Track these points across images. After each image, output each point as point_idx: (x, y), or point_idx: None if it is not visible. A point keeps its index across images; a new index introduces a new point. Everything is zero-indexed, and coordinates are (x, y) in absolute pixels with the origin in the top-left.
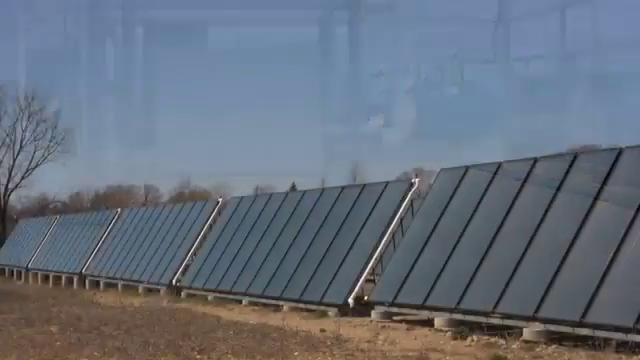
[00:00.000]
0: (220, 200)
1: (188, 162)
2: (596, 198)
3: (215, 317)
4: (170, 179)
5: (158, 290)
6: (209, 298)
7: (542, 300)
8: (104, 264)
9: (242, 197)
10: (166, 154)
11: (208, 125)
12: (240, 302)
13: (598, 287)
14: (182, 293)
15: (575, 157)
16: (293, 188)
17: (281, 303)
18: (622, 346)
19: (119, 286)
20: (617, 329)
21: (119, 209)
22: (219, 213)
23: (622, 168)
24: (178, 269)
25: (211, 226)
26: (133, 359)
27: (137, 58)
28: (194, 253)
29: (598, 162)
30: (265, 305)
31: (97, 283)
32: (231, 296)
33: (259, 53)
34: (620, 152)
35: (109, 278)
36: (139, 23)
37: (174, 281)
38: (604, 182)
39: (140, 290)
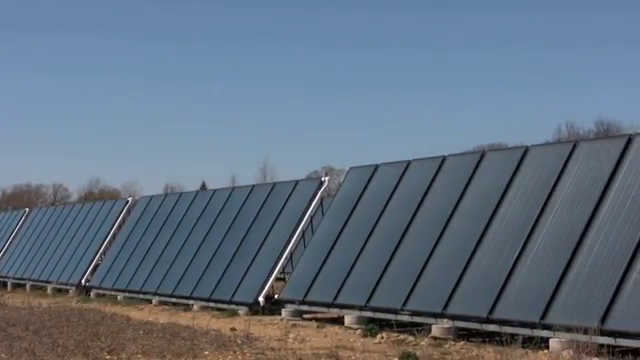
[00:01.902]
0: (130, 199)
1: (97, 161)
2: (503, 195)
3: (125, 317)
4: (79, 178)
5: (67, 290)
6: (119, 298)
7: (450, 297)
8: (12, 264)
9: (152, 196)
10: (75, 153)
11: (118, 125)
12: (150, 302)
13: (505, 284)
14: (91, 293)
15: (483, 155)
16: (203, 187)
17: (191, 302)
18: (528, 341)
19: (27, 286)
20: (523, 325)
21: (27, 209)
22: (129, 212)
23: (528, 166)
24: (87, 269)
25: (120, 225)
26: None
27: None
28: (103, 253)
29: (505, 160)
30: (175, 304)
31: (4, 284)
32: (141, 296)
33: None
34: (526, 150)
35: (17, 279)
36: None
37: (83, 281)
38: (511, 180)
39: (49, 290)
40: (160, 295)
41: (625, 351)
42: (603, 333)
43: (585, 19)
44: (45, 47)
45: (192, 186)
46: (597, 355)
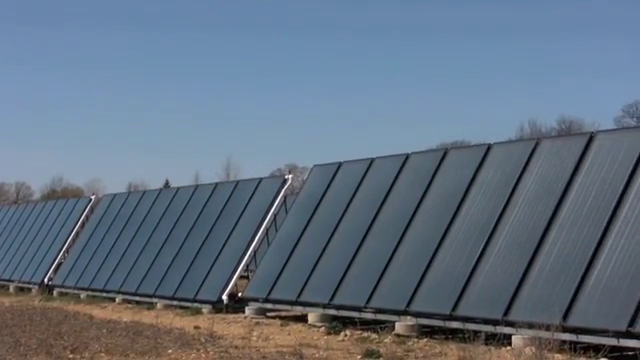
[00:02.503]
0: (93, 197)
1: (60, 160)
2: (466, 193)
3: (88, 316)
4: (42, 177)
5: (30, 289)
6: (82, 296)
7: (414, 295)
8: None
9: (115, 194)
10: (38, 151)
11: (81, 123)
12: (113, 300)
13: (468, 281)
14: (54, 292)
15: (445, 153)
16: (166, 185)
17: (155, 301)
18: (491, 338)
19: None
20: (486, 322)
21: None
22: (92, 211)
23: (491, 163)
24: (50, 268)
25: (84, 224)
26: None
27: None
28: (66, 251)
29: (468, 158)
30: (139, 303)
31: None
32: (104, 294)
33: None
34: (489, 148)
35: None
36: None
37: (46, 280)
38: (474, 177)
39: (11, 289)
40: (123, 293)
41: (587, 347)
42: (565, 330)
43: (549, 16)
44: None
45: (155, 184)
46: (559, 351)
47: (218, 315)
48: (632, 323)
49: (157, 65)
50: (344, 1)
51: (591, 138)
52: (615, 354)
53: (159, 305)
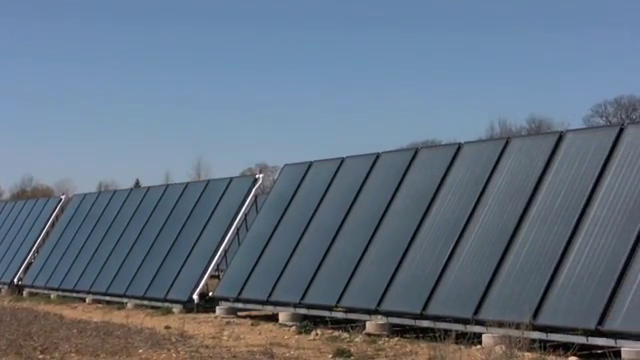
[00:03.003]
0: (63, 197)
1: (30, 159)
2: (437, 192)
3: (58, 316)
4: (12, 176)
5: None
6: (52, 297)
7: (384, 294)
8: None
9: (85, 194)
10: (8, 151)
11: (51, 123)
12: (84, 300)
13: (438, 280)
14: (24, 292)
15: (416, 152)
16: (137, 184)
17: (125, 300)
18: (462, 337)
19: None
20: (457, 321)
21: None
22: (62, 210)
23: (461, 163)
24: (20, 268)
25: (54, 224)
26: None
27: None
28: (36, 251)
29: (438, 157)
30: (109, 303)
31: None
32: (74, 294)
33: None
34: (459, 147)
35: None
36: None
37: (16, 280)
38: (444, 176)
39: None
40: (94, 293)
41: (557, 346)
42: (535, 328)
43: (519, 13)
44: None
45: (126, 184)
46: (529, 350)
47: (189, 315)
48: (601, 321)
49: (128, 64)
50: None
51: (560, 137)
52: (584, 352)
53: (130, 305)
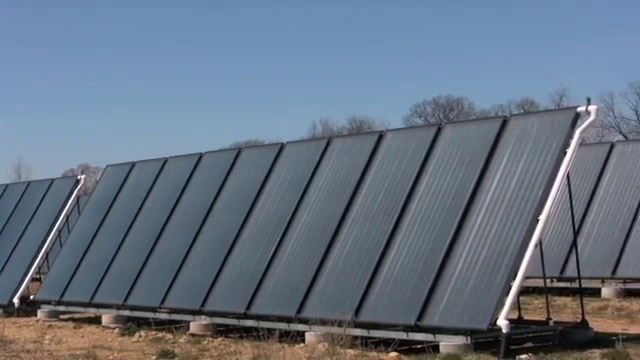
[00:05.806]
0: None
1: None
2: (260, 192)
3: None
4: None
5: None
6: None
7: (208, 294)
8: None
9: None
10: None
11: None
12: None
13: (262, 279)
14: None
15: (239, 152)
16: None
17: None
18: (285, 335)
19: None
20: (280, 319)
21: None
22: None
23: (284, 162)
24: None
25: None
26: None
27: None
28: None
29: (262, 157)
30: None
31: None
32: None
33: None
34: (282, 147)
35: None
36: None
37: None
38: (267, 176)
39: None
40: None
41: (378, 342)
42: (357, 325)
43: (339, 18)
44: None
45: None
46: (351, 347)
47: (9, 319)
48: (420, 317)
49: None
50: None
51: (381, 137)
52: (405, 347)
53: None
